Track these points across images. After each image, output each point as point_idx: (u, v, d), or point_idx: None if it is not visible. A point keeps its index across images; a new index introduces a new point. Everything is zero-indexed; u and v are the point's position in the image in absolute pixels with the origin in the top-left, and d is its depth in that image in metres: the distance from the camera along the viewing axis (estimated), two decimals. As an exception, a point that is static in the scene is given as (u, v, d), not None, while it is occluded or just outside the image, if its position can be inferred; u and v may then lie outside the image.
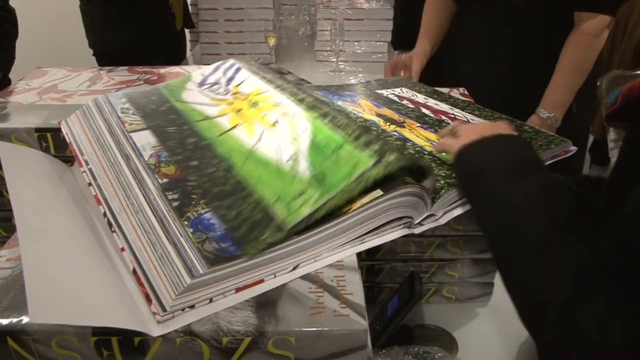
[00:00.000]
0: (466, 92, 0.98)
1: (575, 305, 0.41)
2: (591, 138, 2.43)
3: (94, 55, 1.81)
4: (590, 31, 1.19)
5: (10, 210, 0.56)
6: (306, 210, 0.51)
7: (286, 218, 0.51)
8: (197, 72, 0.81)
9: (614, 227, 0.47)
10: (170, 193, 0.57)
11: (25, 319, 0.46)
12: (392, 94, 0.94)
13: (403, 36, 2.39)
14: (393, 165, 0.54)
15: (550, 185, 0.49)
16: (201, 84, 0.78)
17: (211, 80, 0.79)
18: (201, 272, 0.48)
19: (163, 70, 1.00)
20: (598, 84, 0.55)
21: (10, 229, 0.77)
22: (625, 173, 0.51)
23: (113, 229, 0.56)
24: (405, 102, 0.90)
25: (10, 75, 1.68)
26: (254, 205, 0.54)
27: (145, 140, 0.66)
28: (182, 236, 0.52)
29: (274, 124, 0.64)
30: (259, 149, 0.61)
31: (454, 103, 0.90)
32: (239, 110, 0.69)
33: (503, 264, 0.49)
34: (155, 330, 0.46)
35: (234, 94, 0.74)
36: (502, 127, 0.57)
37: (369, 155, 0.55)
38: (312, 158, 0.57)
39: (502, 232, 0.49)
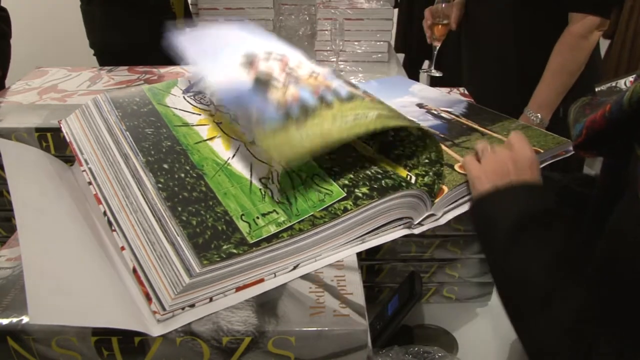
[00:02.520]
0: (466, 92, 0.98)
1: (576, 357, 0.43)
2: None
3: (94, 55, 1.80)
4: (577, 32, 1.18)
5: (10, 210, 0.56)
6: (271, 229, 0.53)
7: (250, 233, 0.53)
8: (183, 78, 0.81)
9: (595, 259, 0.50)
10: (164, 193, 0.57)
11: (25, 319, 0.46)
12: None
13: (403, 37, 2.39)
14: (363, 200, 0.56)
15: (554, 236, 0.51)
16: (186, 90, 0.79)
17: (197, 88, 0.79)
18: (198, 271, 0.48)
19: (163, 70, 1.00)
20: (569, 111, 0.56)
21: (10, 229, 0.77)
22: (605, 198, 0.52)
23: (113, 228, 0.56)
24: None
25: (10, 75, 1.65)
26: (219, 215, 0.55)
27: None
28: (179, 235, 0.52)
29: (251, 142, 0.66)
30: (232, 163, 0.63)
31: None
32: (219, 123, 0.70)
33: (510, 311, 0.52)
34: (155, 330, 0.46)
35: (217, 105, 0.74)
36: (523, 164, 0.57)
37: (339, 187, 0.58)
38: (284, 182, 0.59)
39: (508, 283, 0.52)
